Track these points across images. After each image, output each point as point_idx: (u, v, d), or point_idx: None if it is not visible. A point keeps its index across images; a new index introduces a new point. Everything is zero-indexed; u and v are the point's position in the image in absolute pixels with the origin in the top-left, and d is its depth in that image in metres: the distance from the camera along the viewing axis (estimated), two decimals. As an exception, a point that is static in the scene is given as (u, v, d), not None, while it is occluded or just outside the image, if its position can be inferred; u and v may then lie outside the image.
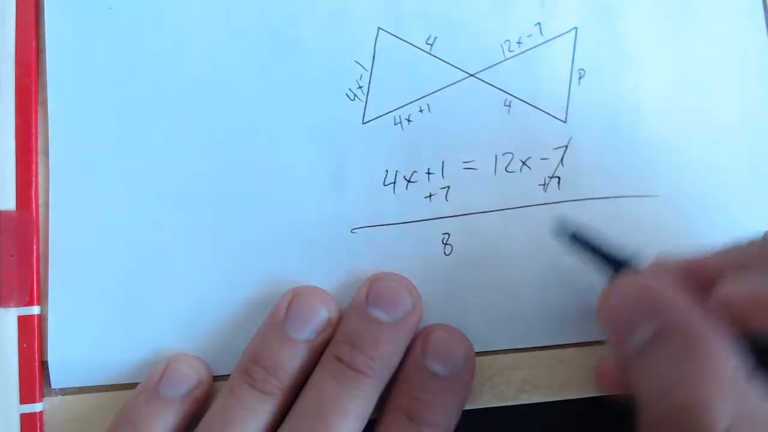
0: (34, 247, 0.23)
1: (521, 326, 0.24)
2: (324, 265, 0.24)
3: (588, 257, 0.22)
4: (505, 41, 0.25)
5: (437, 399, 0.22)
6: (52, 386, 0.23)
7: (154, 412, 0.22)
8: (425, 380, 0.22)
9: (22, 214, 0.23)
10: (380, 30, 0.25)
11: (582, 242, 0.22)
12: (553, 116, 0.25)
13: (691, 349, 0.17)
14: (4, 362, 0.23)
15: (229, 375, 0.23)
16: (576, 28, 0.25)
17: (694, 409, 0.16)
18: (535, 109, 0.25)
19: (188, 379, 0.22)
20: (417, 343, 0.23)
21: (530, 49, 0.25)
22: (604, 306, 0.20)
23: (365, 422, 0.22)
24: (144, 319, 0.23)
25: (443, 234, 0.24)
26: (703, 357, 0.17)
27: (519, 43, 0.25)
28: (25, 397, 0.23)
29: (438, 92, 0.25)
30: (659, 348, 0.18)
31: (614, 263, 0.22)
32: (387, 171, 0.24)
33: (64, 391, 0.23)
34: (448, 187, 0.25)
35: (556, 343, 0.24)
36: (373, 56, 0.25)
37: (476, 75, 0.25)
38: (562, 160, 0.25)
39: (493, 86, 0.25)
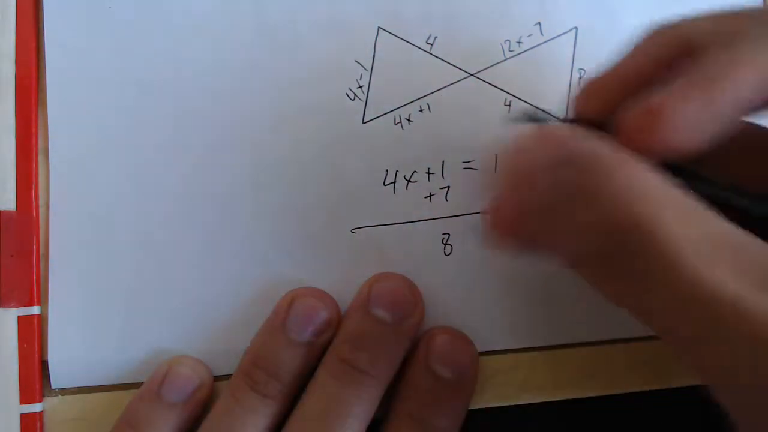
0: (34, 247, 0.23)
1: (521, 326, 0.24)
2: (324, 265, 0.24)
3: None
4: (505, 41, 0.25)
5: (443, 402, 0.22)
6: (52, 386, 0.23)
7: (157, 415, 0.22)
8: (430, 384, 0.22)
9: (22, 214, 0.23)
10: (380, 30, 0.25)
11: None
12: (553, 116, 0.25)
13: (603, 167, 0.15)
14: (4, 362, 0.23)
15: (229, 375, 0.23)
16: (576, 28, 0.25)
17: (630, 227, 0.14)
18: (535, 109, 0.25)
19: (190, 381, 0.22)
20: (421, 346, 0.23)
21: (530, 48, 0.25)
22: (504, 161, 0.17)
23: (368, 423, 0.22)
24: (144, 319, 0.23)
25: (443, 234, 0.24)
26: (618, 172, 0.15)
27: (519, 43, 0.25)
28: (25, 397, 0.23)
29: (438, 92, 0.25)
30: (564, 185, 0.15)
31: None
32: (387, 171, 0.24)
33: (64, 391, 0.23)
34: (448, 187, 0.25)
35: (556, 344, 0.24)
36: (373, 56, 0.25)
37: (476, 75, 0.25)
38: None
39: (493, 86, 0.25)
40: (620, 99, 0.18)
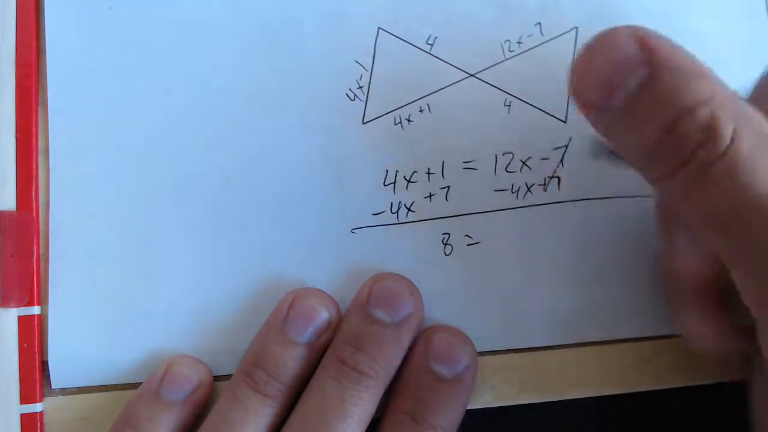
0: (34, 247, 0.23)
1: (521, 326, 0.24)
2: (324, 265, 0.24)
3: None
4: (505, 41, 0.25)
5: (441, 401, 0.22)
6: (52, 386, 0.23)
7: (156, 414, 0.22)
8: (429, 382, 0.22)
9: (22, 214, 0.23)
10: (380, 30, 0.25)
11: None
12: (553, 116, 0.25)
13: (683, 81, 0.16)
14: (5, 362, 0.23)
15: (229, 375, 0.23)
16: (576, 28, 0.25)
17: (698, 117, 0.16)
18: (535, 109, 0.25)
19: (189, 381, 0.22)
20: (420, 344, 0.23)
21: (530, 49, 0.25)
22: (580, 62, 0.18)
23: (368, 423, 0.22)
24: (144, 319, 0.23)
25: (443, 234, 0.24)
26: (697, 79, 0.16)
27: (519, 43, 0.25)
28: (26, 397, 0.23)
29: (438, 92, 0.25)
30: (648, 93, 0.16)
31: None
32: (387, 171, 0.24)
33: (64, 391, 0.23)
34: (448, 187, 0.25)
35: (556, 343, 0.24)
36: (373, 56, 0.25)
37: (476, 75, 0.25)
38: (562, 160, 0.25)
39: (493, 86, 0.25)
40: None
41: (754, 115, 0.16)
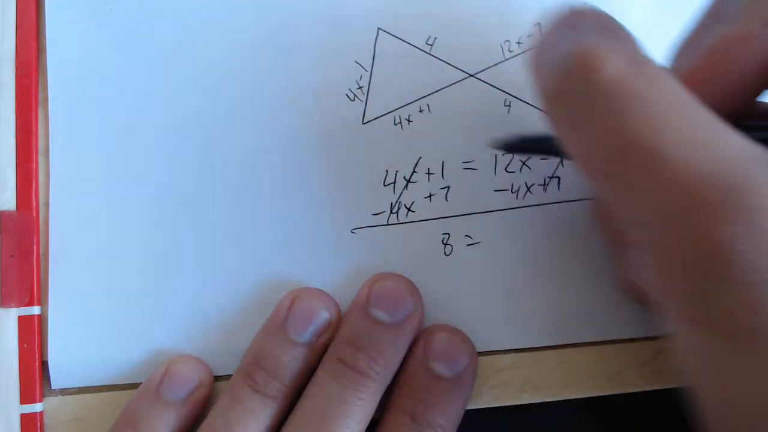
0: (34, 247, 0.23)
1: (521, 326, 0.24)
2: (324, 265, 0.24)
3: (536, 154, 0.23)
4: (505, 41, 0.25)
5: (440, 400, 0.22)
6: (52, 386, 0.23)
7: (156, 414, 0.22)
8: (428, 381, 0.22)
9: (22, 214, 0.23)
10: (380, 30, 0.25)
11: (520, 147, 0.22)
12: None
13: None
14: (5, 362, 0.23)
15: (229, 375, 0.23)
16: (576, 28, 0.25)
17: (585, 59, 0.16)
18: (535, 109, 0.25)
19: (189, 380, 0.22)
20: (419, 344, 0.23)
21: (530, 49, 0.25)
22: (533, 50, 0.18)
23: (367, 423, 0.22)
24: (144, 319, 0.23)
25: (443, 234, 0.24)
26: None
27: (519, 43, 0.25)
28: (25, 397, 0.23)
29: (438, 92, 0.25)
30: (577, 31, 0.17)
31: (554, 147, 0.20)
32: (387, 171, 0.24)
33: (64, 391, 0.23)
34: (448, 187, 0.25)
35: (556, 343, 0.24)
36: (373, 56, 0.25)
37: (476, 75, 0.25)
38: (562, 160, 0.25)
39: (493, 86, 0.25)
40: None
41: (650, 60, 0.16)
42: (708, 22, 0.19)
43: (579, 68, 0.16)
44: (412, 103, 0.25)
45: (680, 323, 0.15)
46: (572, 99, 0.16)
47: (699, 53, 0.18)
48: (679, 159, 0.14)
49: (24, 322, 0.23)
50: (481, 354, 0.24)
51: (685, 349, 0.16)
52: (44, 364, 0.23)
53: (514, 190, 0.25)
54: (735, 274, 0.13)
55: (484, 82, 0.25)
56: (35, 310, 0.23)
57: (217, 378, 0.23)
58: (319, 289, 0.23)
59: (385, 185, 0.24)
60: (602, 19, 0.17)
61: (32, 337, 0.23)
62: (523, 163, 0.25)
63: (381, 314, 0.22)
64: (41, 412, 0.23)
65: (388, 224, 0.24)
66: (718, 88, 0.17)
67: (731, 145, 0.14)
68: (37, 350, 0.23)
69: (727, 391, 0.15)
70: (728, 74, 0.17)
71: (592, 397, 0.24)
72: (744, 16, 0.17)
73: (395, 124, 0.25)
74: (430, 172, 0.25)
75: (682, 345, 0.16)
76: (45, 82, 0.24)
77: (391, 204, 0.24)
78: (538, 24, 0.25)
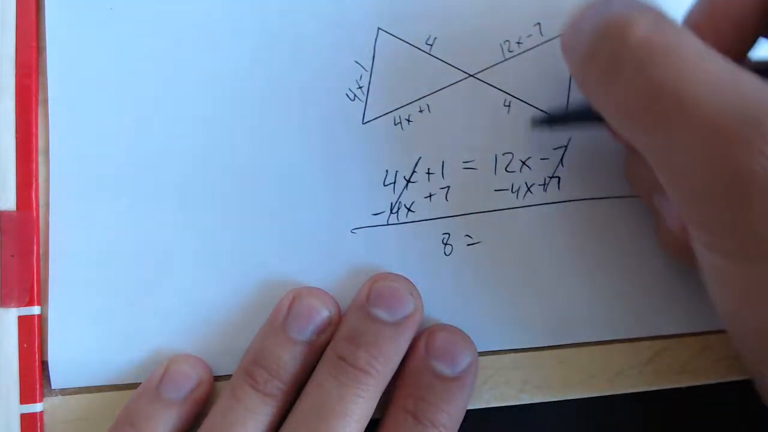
0: (34, 247, 0.23)
1: (521, 326, 0.24)
2: (324, 265, 0.24)
3: (574, 127, 0.24)
4: (505, 41, 0.25)
5: (442, 399, 0.22)
6: (52, 386, 0.23)
7: (156, 413, 0.22)
8: (430, 381, 0.22)
9: (22, 214, 0.23)
10: (380, 30, 0.25)
11: (559, 121, 0.24)
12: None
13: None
14: (5, 362, 0.23)
15: (229, 375, 0.23)
16: (576, 28, 0.25)
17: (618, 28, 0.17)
18: (535, 109, 0.25)
19: (189, 379, 0.22)
20: (420, 343, 0.23)
21: (530, 49, 0.25)
22: (566, 31, 0.20)
23: (367, 422, 0.22)
24: (144, 319, 0.23)
25: (443, 234, 0.24)
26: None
27: (519, 43, 0.25)
28: (26, 397, 0.23)
29: (438, 92, 0.25)
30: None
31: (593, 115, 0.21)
32: (387, 171, 0.24)
33: (64, 391, 0.23)
34: (448, 187, 0.25)
35: (556, 343, 0.24)
36: (373, 56, 0.25)
37: (476, 75, 0.25)
38: (562, 160, 0.25)
39: (493, 86, 0.25)
40: None
41: (670, 21, 0.18)
42: None
43: (611, 29, 0.18)
44: (412, 103, 0.25)
45: (716, 255, 0.17)
46: (606, 58, 0.18)
47: (703, 3, 0.20)
48: (707, 101, 0.16)
49: (24, 322, 0.23)
50: (481, 354, 0.24)
51: (720, 276, 0.18)
52: (44, 364, 0.23)
53: (514, 190, 0.25)
54: (764, 193, 0.15)
55: (484, 82, 0.25)
56: (35, 310, 0.23)
57: (217, 378, 0.23)
58: (319, 288, 0.23)
59: (385, 185, 0.24)
60: None
61: (32, 337, 0.23)
62: (523, 163, 0.25)
63: (381, 313, 0.22)
64: (41, 412, 0.23)
65: (388, 224, 0.24)
66: (721, 35, 0.19)
67: (750, 86, 0.16)
68: (37, 350, 0.23)
69: (758, 307, 0.17)
70: (729, 19, 0.19)
71: (592, 397, 0.24)
72: None
73: (395, 124, 0.25)
74: (430, 172, 0.25)
75: (718, 275, 0.18)
76: (45, 82, 0.24)
77: (391, 204, 0.24)
78: (538, 24, 0.25)
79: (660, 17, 0.18)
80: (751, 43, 0.20)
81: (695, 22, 0.20)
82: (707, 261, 0.18)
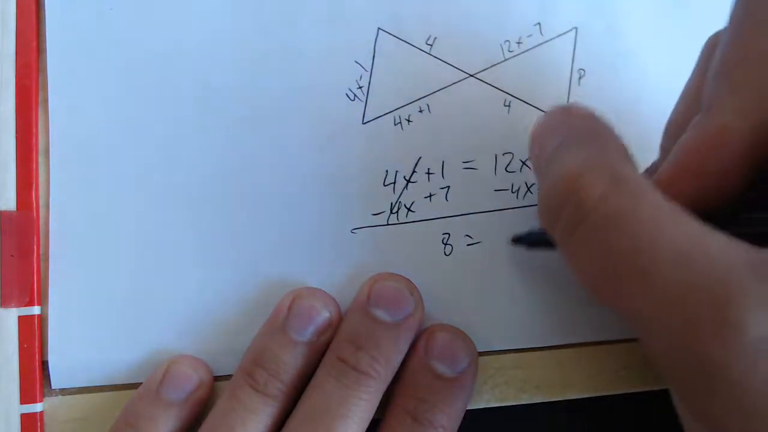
0: (34, 247, 0.23)
1: (521, 326, 0.24)
2: (324, 265, 0.24)
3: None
4: (505, 41, 0.25)
5: (442, 400, 0.22)
6: (52, 386, 0.23)
7: (156, 413, 0.22)
8: (430, 381, 0.22)
9: (22, 214, 0.23)
10: (380, 30, 0.25)
11: (536, 243, 0.23)
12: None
13: (593, 137, 0.18)
14: (5, 362, 0.23)
15: (230, 375, 0.23)
16: (576, 28, 0.25)
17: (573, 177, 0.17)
18: (535, 109, 0.25)
19: (189, 380, 0.22)
20: (420, 343, 0.23)
21: (530, 49, 0.25)
22: (532, 130, 0.20)
23: (368, 423, 0.22)
24: (144, 319, 0.23)
25: (443, 234, 0.24)
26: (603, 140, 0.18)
27: (519, 43, 0.25)
28: (26, 397, 0.23)
29: (438, 92, 0.25)
30: (565, 147, 0.18)
31: None
32: (387, 171, 0.24)
33: (64, 391, 0.23)
34: (448, 187, 0.25)
35: (556, 343, 0.24)
36: (373, 56, 0.25)
37: (476, 75, 0.25)
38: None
39: (493, 86, 0.25)
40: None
41: (631, 175, 0.16)
42: (690, 99, 0.20)
43: (565, 194, 0.17)
44: (412, 103, 0.25)
45: (689, 418, 0.17)
46: (563, 218, 0.17)
47: (679, 149, 0.18)
48: (666, 276, 0.14)
49: (24, 322, 0.23)
50: (481, 354, 0.24)
51: None
52: (44, 364, 0.23)
53: (514, 190, 0.25)
54: (726, 386, 0.14)
55: (484, 82, 0.25)
56: (35, 310, 0.23)
57: (217, 378, 0.23)
58: (320, 289, 0.23)
59: (385, 185, 0.24)
60: (588, 125, 0.18)
61: (32, 337, 0.23)
62: (523, 163, 0.25)
63: (381, 313, 0.22)
64: (41, 412, 0.23)
65: (388, 224, 0.24)
66: (701, 185, 0.17)
67: (714, 255, 0.14)
68: (37, 350, 0.23)
69: None
70: (709, 171, 0.17)
71: (592, 397, 0.24)
72: (716, 106, 0.17)
73: (395, 124, 0.25)
74: (430, 172, 0.25)
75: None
76: (45, 82, 0.24)
77: (391, 204, 0.24)
78: (538, 24, 0.25)
79: (621, 167, 0.16)
80: (740, 192, 0.17)
81: (668, 169, 0.18)
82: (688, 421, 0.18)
